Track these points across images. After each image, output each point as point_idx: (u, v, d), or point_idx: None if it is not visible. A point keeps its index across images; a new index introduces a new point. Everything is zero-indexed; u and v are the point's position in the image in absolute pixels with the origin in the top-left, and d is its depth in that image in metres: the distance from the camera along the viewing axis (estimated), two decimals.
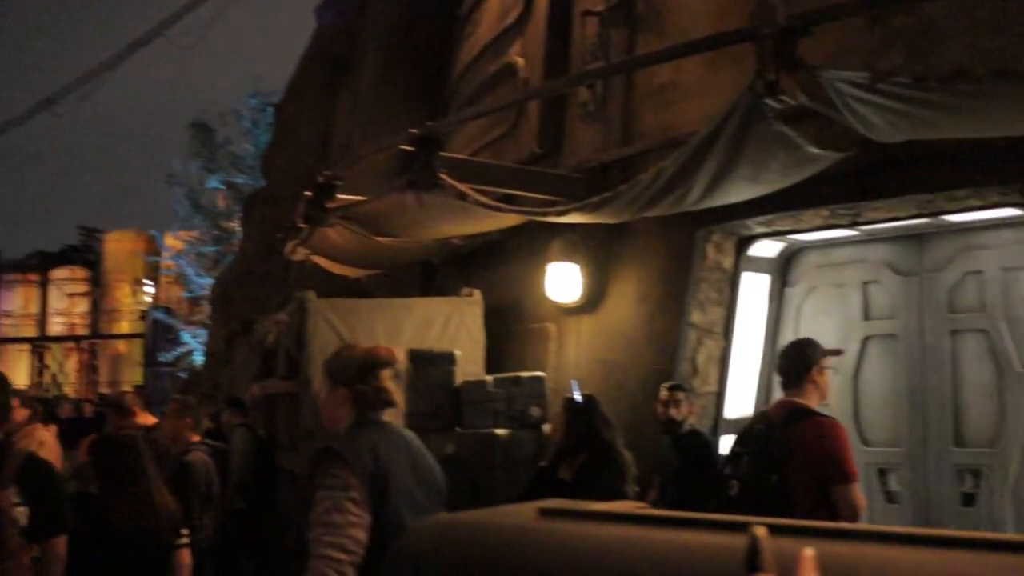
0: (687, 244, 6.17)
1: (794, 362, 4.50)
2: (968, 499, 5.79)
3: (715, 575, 1.50)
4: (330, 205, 6.49)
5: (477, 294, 7.02)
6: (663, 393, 5.54)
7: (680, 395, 5.65)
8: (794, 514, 3.68)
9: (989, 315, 5.85)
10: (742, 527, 1.37)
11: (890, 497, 6.11)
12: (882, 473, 6.15)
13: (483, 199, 5.87)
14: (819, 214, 5.81)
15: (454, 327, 6.78)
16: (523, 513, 1.93)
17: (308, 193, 6.61)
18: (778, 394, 6.42)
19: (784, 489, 4.01)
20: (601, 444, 5.01)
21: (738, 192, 5.37)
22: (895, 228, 6.11)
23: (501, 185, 6.32)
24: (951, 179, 5.13)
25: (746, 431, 4.54)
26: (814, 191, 5.51)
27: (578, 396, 5.09)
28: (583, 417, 5.06)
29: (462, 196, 5.83)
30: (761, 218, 5.98)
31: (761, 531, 1.15)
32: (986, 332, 5.85)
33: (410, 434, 3.37)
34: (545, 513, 1.91)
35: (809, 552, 1.10)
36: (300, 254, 7.60)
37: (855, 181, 5.43)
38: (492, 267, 7.36)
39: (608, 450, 5.01)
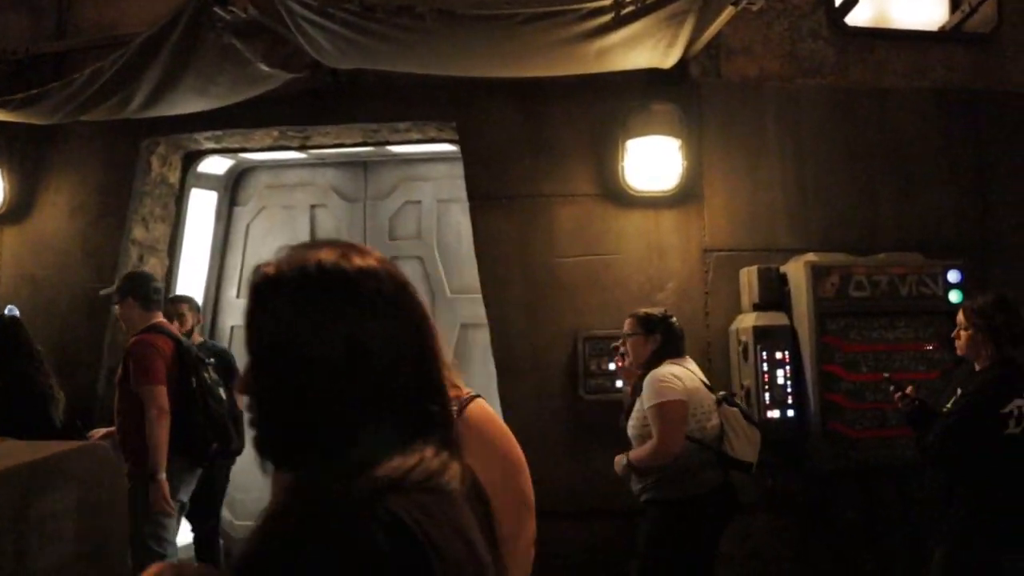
0: (130, 155, 6.07)
1: None
2: None
3: None
4: None
5: None
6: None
7: (184, 307, 5.79)
8: None
9: (425, 243, 6.76)
10: None
11: None
12: None
13: None
14: (269, 134, 6.15)
15: None
16: None
17: None
18: (226, 314, 6.74)
19: None
20: (18, 369, 4.80)
21: (184, 103, 5.47)
22: (342, 154, 6.71)
23: None
24: (395, 111, 5.81)
25: None
26: (265, 111, 5.84)
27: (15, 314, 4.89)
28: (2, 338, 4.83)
29: None
30: (210, 133, 6.13)
31: None
32: (422, 259, 6.76)
33: None
34: None
35: None
36: None
37: (305, 104, 5.86)
38: None
39: (24, 376, 4.81)
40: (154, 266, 6.30)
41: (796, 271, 5.31)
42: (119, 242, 6.00)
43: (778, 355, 5.25)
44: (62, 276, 6.07)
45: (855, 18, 6.06)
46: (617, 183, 5.60)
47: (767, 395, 5.22)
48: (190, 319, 5.78)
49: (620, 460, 4.46)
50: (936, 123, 5.99)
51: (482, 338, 6.57)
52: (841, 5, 5.96)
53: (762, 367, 5.21)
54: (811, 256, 5.32)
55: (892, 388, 4.33)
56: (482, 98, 5.73)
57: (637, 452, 4.37)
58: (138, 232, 6.13)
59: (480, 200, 5.71)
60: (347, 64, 5.17)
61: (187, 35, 4.66)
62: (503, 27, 4.44)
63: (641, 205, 5.63)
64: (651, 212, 5.65)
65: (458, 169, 6.67)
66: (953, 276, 5.35)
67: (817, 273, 5.21)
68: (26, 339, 4.84)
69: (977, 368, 4.15)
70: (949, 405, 4.07)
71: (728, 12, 4.51)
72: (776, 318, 5.31)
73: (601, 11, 4.34)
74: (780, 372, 5.24)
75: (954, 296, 5.33)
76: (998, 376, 3.99)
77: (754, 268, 5.44)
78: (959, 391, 4.09)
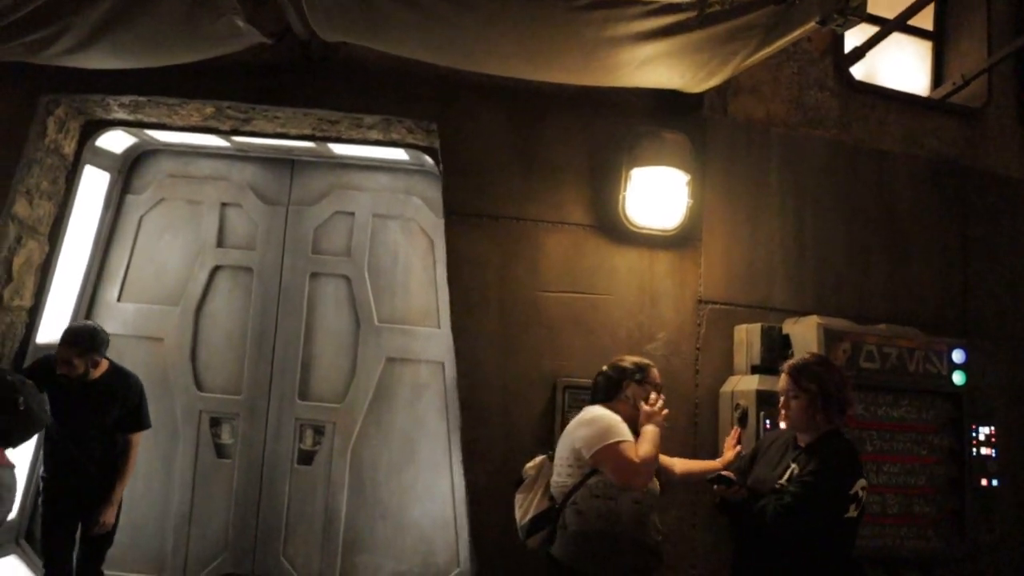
0: (22, 111, 5.12)
1: None
2: (307, 457, 5.94)
3: None
4: None
5: None
6: None
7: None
8: None
9: (355, 261, 6.08)
10: None
11: (220, 451, 5.95)
12: (215, 423, 5.96)
13: None
14: (201, 110, 5.35)
15: None
16: None
17: None
18: (101, 319, 5.83)
19: None
20: None
21: (123, 55, 4.70)
22: (268, 147, 5.98)
23: None
24: (368, 102, 5.16)
25: None
26: (204, 81, 5.12)
27: None
28: None
29: None
30: (129, 99, 5.26)
31: None
32: (348, 279, 6.09)
33: None
34: None
35: None
36: None
37: (257, 80, 5.15)
38: None
39: None
40: (32, 250, 5.34)
41: (805, 333, 5.04)
42: None
43: (783, 425, 4.93)
44: None
45: (855, 72, 6.00)
46: (615, 215, 5.19)
47: None
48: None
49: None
50: (927, 195, 5.98)
51: (410, 375, 6.01)
52: (848, 55, 5.88)
53: None
54: (818, 319, 5.08)
55: (716, 486, 3.96)
56: (469, 99, 5.21)
57: None
58: (21, 207, 5.17)
59: (457, 216, 5.15)
60: (342, 34, 4.53)
61: None
62: (560, 11, 3.96)
63: (637, 243, 5.25)
64: (646, 252, 5.27)
65: (401, 182, 6.16)
66: (958, 356, 5.26)
67: (830, 338, 4.97)
68: None
69: (802, 441, 3.93)
70: (784, 481, 3.79)
71: (795, 34, 4.24)
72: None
73: (677, 7, 3.96)
74: None
75: (957, 377, 5.23)
76: (840, 453, 3.77)
77: (756, 326, 5.15)
78: (792, 466, 3.83)
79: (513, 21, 4.08)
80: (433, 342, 6.00)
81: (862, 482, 3.70)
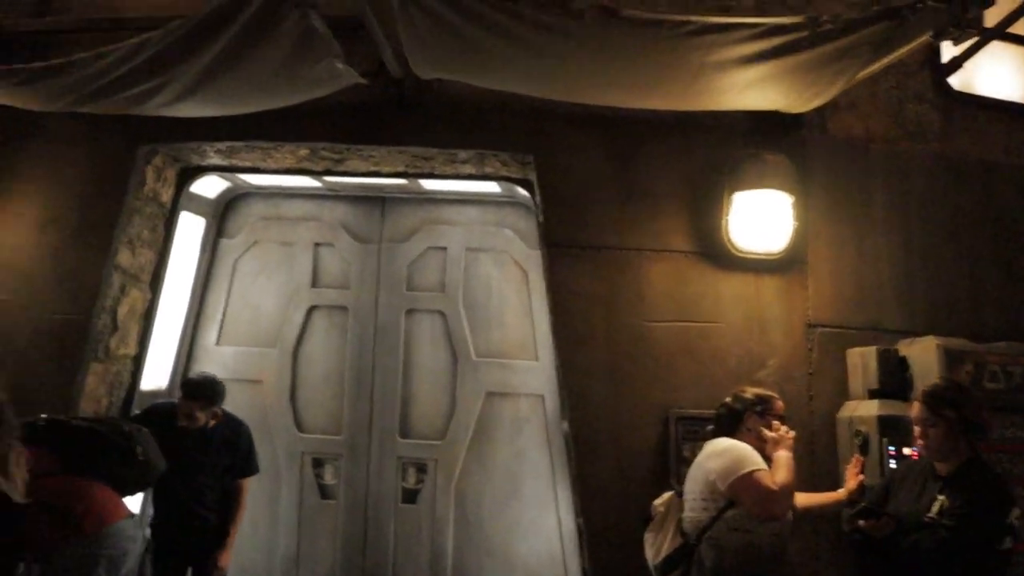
0: (123, 163, 5.20)
1: None
2: (410, 495, 5.89)
3: None
4: None
5: None
6: None
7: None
8: None
9: (449, 297, 6.04)
10: None
11: (324, 491, 5.93)
12: (317, 464, 5.95)
13: None
14: (295, 152, 5.37)
15: None
16: None
17: None
18: (201, 363, 5.85)
19: None
20: None
21: (224, 101, 4.73)
22: (358, 186, 6.00)
23: None
24: (465, 137, 5.14)
25: None
26: (299, 123, 5.14)
27: None
28: None
29: None
30: (223, 144, 5.30)
31: None
32: (444, 315, 6.06)
33: None
34: None
35: None
36: None
37: (350, 120, 5.15)
38: None
39: None
40: (135, 299, 5.39)
41: (924, 355, 4.87)
42: (102, 267, 5.09)
43: (906, 451, 4.75)
44: (25, 303, 5.09)
45: (951, 83, 5.83)
46: (718, 240, 5.08)
47: None
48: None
49: None
50: None
51: (510, 409, 5.94)
52: (946, 65, 5.72)
53: (888, 464, 4.72)
54: (937, 339, 4.91)
55: (862, 521, 3.71)
56: (563, 129, 5.16)
57: None
58: (123, 257, 5.22)
59: (558, 248, 5.08)
60: (440, 72, 4.50)
61: (266, 10, 3.90)
62: (665, 38, 3.89)
63: (742, 268, 5.12)
64: (751, 277, 5.15)
65: (492, 214, 6.11)
66: None
67: (951, 359, 4.80)
68: None
69: (941, 470, 3.74)
70: (934, 515, 3.59)
71: (905, 49, 4.13)
72: (901, 407, 4.84)
73: (785, 28, 3.85)
74: None
75: None
76: (990, 483, 3.60)
77: (870, 349, 4.99)
78: (940, 498, 3.63)
79: (616, 51, 4.01)
80: (532, 375, 5.93)
81: (1016, 511, 3.53)
